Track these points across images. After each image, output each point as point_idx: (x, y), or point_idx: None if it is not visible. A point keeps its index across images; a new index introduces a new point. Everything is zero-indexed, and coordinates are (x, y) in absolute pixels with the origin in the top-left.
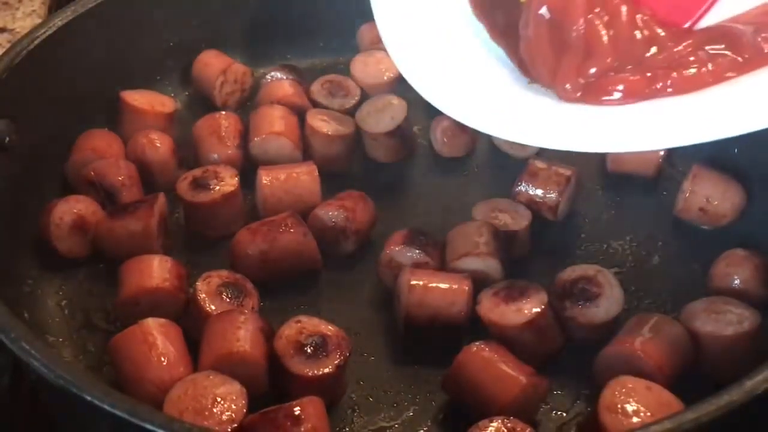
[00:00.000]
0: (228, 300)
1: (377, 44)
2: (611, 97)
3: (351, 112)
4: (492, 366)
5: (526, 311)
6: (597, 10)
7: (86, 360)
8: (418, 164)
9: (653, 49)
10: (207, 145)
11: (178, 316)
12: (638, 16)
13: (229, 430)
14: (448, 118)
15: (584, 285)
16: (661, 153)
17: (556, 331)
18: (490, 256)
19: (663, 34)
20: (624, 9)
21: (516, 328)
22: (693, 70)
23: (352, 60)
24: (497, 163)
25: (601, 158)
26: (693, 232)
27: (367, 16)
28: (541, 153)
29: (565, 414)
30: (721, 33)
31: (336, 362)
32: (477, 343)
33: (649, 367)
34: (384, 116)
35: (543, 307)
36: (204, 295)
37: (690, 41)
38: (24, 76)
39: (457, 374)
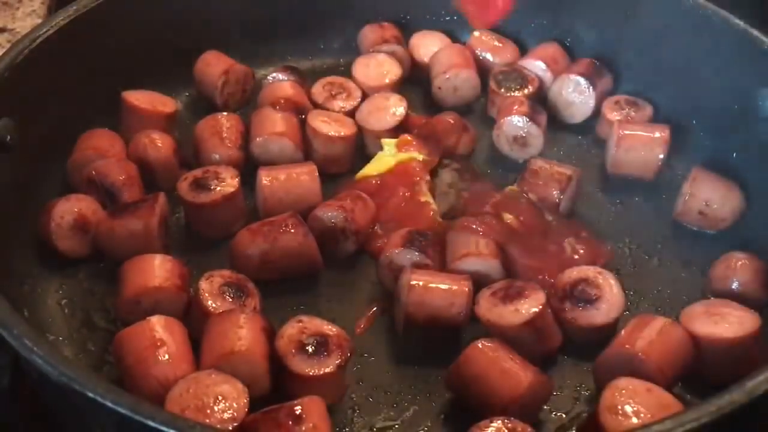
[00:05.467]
0: (230, 299)
1: (378, 46)
2: None
3: (352, 114)
4: (498, 363)
5: (524, 311)
6: None
7: (86, 359)
8: None
9: None
10: (208, 146)
11: (179, 315)
12: None
13: (231, 428)
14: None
15: (584, 287)
16: (661, 156)
17: (555, 331)
18: (491, 257)
19: None
20: None
21: (514, 328)
22: None
23: (353, 62)
24: (497, 164)
25: (601, 161)
26: (692, 235)
27: (369, 17)
28: (541, 154)
29: (565, 415)
30: None
31: (337, 362)
32: (483, 340)
33: (649, 368)
34: (385, 114)
35: (541, 307)
36: (207, 295)
37: None
38: (25, 76)
39: (462, 370)
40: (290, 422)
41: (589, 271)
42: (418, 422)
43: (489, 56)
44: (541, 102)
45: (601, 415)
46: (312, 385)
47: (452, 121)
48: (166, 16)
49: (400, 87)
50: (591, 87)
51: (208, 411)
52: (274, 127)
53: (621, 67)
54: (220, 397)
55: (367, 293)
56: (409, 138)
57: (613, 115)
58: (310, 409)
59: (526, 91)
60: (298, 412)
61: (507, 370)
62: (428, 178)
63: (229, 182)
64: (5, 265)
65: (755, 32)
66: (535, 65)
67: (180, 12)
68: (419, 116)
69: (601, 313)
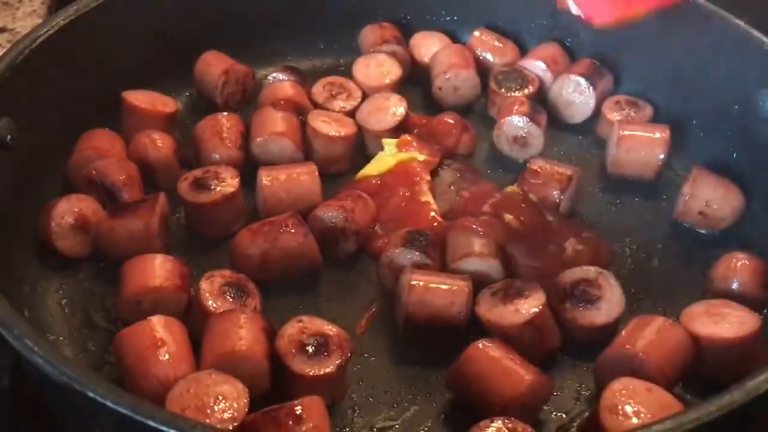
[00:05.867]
0: (231, 299)
1: (379, 46)
2: None
3: (352, 114)
4: (499, 363)
5: (524, 311)
6: None
7: (87, 359)
8: None
9: None
10: (209, 146)
11: (179, 315)
12: None
13: (231, 428)
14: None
15: (585, 287)
16: (662, 156)
17: (555, 331)
18: (491, 257)
19: None
20: None
21: (515, 328)
22: None
23: (354, 62)
24: (497, 164)
25: (601, 161)
26: (692, 235)
27: (369, 17)
28: (541, 154)
29: (565, 415)
30: None
31: (337, 362)
32: (484, 340)
33: (650, 368)
34: (385, 114)
35: (541, 306)
36: (207, 294)
37: None
38: (25, 76)
39: (462, 370)
40: (290, 422)
41: (589, 271)
42: (418, 422)
43: (489, 56)
44: (541, 102)
45: (601, 415)
46: (312, 385)
47: (452, 121)
48: (166, 16)
49: (400, 87)
50: (591, 87)
51: (209, 411)
52: (275, 127)
53: (621, 67)
54: (220, 397)
55: (367, 293)
56: (409, 138)
57: (613, 115)
58: (310, 409)
59: (526, 91)
60: (298, 412)
61: (507, 370)
62: (428, 178)
63: (229, 182)
64: (5, 265)
65: (755, 32)
66: (535, 65)
67: (180, 12)
68: (419, 116)
69: (601, 313)
